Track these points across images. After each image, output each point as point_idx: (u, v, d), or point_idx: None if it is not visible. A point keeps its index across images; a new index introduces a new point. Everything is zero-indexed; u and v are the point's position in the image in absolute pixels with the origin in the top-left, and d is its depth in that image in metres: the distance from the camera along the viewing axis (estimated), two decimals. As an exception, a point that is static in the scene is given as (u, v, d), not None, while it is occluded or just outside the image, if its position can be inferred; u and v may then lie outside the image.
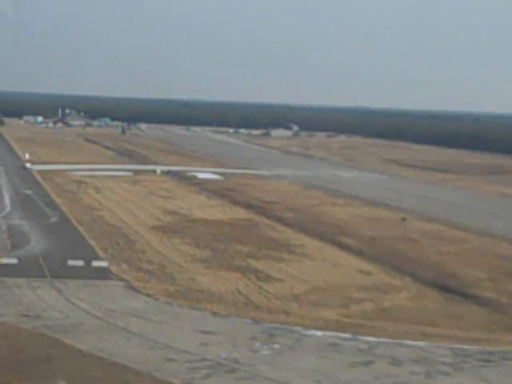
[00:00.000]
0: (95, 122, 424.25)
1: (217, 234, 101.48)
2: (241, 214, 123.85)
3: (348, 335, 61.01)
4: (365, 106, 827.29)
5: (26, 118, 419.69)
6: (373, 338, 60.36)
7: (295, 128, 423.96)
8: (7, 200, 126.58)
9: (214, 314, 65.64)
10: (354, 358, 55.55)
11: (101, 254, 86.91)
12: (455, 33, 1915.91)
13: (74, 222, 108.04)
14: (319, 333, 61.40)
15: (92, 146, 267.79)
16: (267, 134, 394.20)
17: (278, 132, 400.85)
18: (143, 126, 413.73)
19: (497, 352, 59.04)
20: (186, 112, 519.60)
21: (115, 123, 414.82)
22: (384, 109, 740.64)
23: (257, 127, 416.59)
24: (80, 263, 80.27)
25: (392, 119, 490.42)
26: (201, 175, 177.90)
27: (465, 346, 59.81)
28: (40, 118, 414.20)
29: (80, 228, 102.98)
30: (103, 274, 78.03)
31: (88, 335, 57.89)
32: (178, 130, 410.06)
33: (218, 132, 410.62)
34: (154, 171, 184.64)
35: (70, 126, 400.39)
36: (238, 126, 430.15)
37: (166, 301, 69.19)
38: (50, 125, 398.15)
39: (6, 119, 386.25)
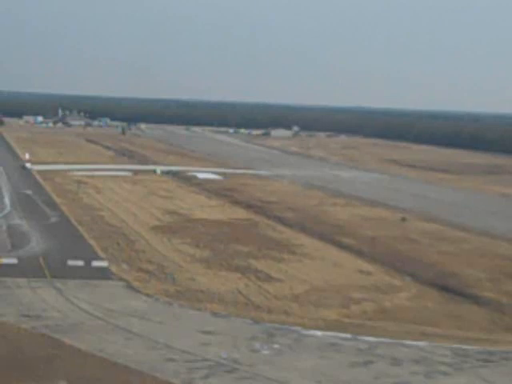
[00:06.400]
0: (95, 122, 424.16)
1: (217, 234, 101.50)
2: (241, 214, 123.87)
3: (348, 335, 61.04)
4: (365, 106, 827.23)
5: (26, 118, 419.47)
6: (373, 338, 60.39)
7: (295, 128, 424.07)
8: (7, 200, 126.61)
9: (214, 314, 65.69)
10: (354, 358, 55.55)
11: (101, 254, 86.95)
12: (455, 33, 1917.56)
13: (74, 221, 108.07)
14: (319, 333, 61.42)
15: (92, 146, 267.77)
16: (267, 134, 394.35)
17: (278, 132, 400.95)
18: (143, 125, 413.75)
19: (497, 352, 59.07)
20: (186, 112, 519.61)
21: (115, 123, 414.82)
22: (384, 109, 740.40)
23: (257, 127, 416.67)
24: (80, 263, 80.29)
25: (392, 119, 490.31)
26: (201, 175, 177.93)
27: (465, 346, 59.83)
28: (40, 118, 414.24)
29: (80, 228, 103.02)
30: (103, 274, 78.07)
31: (88, 335, 57.92)
32: (178, 130, 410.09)
33: (218, 132, 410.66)
34: (154, 171, 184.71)
35: (70, 126, 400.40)
36: (238, 126, 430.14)
37: (166, 301, 69.24)
38: (50, 125, 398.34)
39: (6, 119, 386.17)
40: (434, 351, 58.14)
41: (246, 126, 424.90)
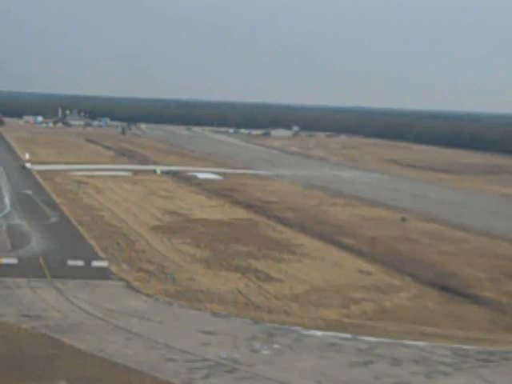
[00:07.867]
0: (95, 122, 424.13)
1: (217, 234, 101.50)
2: (241, 213, 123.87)
3: (348, 335, 61.04)
4: (365, 105, 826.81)
5: (26, 118, 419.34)
6: (373, 338, 60.38)
7: (295, 128, 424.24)
8: (7, 200, 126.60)
9: (214, 314, 65.69)
10: (354, 358, 55.55)
11: (101, 254, 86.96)
12: (455, 33, 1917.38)
13: (74, 221, 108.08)
14: (319, 333, 61.42)
15: (92, 146, 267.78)
16: (267, 134, 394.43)
17: (278, 132, 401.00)
18: (143, 125, 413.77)
19: (497, 352, 59.06)
20: (186, 112, 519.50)
21: (115, 123, 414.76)
22: (384, 109, 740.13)
23: (257, 127, 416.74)
24: (80, 263, 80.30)
25: (392, 119, 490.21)
26: (201, 175, 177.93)
27: (465, 346, 59.82)
28: (40, 118, 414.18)
29: (80, 228, 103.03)
30: (103, 274, 78.08)
31: (88, 335, 57.92)
32: (178, 130, 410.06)
33: (218, 132, 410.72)
34: (154, 171, 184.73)
35: (69, 125, 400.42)
36: (238, 126, 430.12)
37: (166, 301, 69.24)
38: (50, 125, 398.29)
39: (6, 119, 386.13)
40: (434, 351, 58.14)
41: (246, 126, 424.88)
